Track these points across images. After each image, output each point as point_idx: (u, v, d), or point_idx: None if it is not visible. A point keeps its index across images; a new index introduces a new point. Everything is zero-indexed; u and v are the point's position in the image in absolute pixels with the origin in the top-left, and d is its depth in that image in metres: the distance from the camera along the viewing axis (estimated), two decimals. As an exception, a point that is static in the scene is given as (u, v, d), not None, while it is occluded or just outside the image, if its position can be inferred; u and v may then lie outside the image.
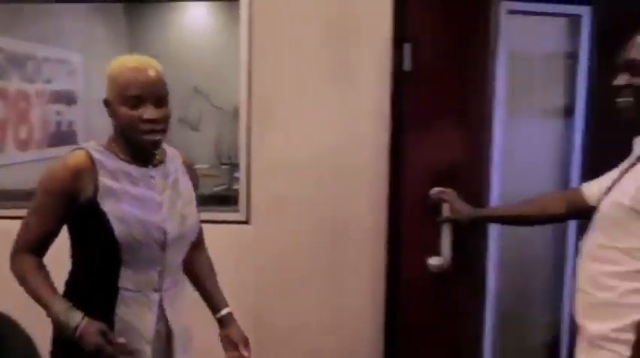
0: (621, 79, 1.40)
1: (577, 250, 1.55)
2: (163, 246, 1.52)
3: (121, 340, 1.38)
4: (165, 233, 1.51)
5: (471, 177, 1.91)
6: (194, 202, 1.64)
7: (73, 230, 1.51)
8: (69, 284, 1.57)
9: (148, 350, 1.52)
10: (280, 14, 2.28)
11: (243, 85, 2.33)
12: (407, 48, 1.79)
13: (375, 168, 2.13)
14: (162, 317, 1.56)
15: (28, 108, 3.56)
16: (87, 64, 4.13)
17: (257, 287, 2.20)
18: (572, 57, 2.15)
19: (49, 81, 3.73)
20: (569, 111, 2.19)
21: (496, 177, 2.02)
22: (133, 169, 1.51)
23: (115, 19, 4.60)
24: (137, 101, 1.43)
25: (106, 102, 1.46)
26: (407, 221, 1.92)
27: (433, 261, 1.84)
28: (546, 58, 2.23)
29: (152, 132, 1.45)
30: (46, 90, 3.70)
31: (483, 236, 2.02)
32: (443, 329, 1.95)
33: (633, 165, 1.41)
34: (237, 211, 2.35)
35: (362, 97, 2.19)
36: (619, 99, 1.42)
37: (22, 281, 1.43)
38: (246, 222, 2.32)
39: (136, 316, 1.52)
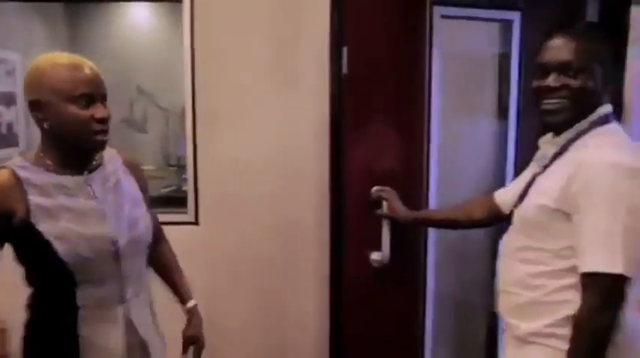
0: (555, 81, 1.42)
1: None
2: (116, 256, 1.46)
3: None
4: (114, 243, 1.45)
5: (409, 176, 2.04)
6: (142, 202, 1.59)
7: (17, 254, 1.44)
8: (29, 308, 1.50)
9: None
10: (223, 17, 2.37)
11: (188, 87, 2.40)
12: (344, 51, 1.89)
13: (318, 168, 2.26)
14: (131, 329, 1.52)
15: (-38, 110, 3.41)
16: (26, 64, 4.03)
17: (206, 287, 2.27)
18: (505, 59, 2.30)
19: (-16, 81, 3.58)
20: (503, 111, 2.34)
21: (434, 175, 2.15)
22: (67, 180, 1.44)
23: (55, 18, 4.54)
24: (88, 100, 1.39)
25: (37, 104, 1.37)
26: (349, 219, 2.02)
27: (375, 256, 1.98)
28: (481, 61, 2.39)
29: (102, 132, 1.41)
30: (-19, 91, 3.55)
31: (423, 231, 2.16)
32: (386, 322, 2.10)
33: (546, 166, 1.47)
34: (185, 212, 2.42)
35: (304, 99, 2.32)
36: (551, 101, 1.44)
37: None
38: (195, 223, 2.40)
39: (101, 334, 1.47)
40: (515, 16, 2.24)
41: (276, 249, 2.40)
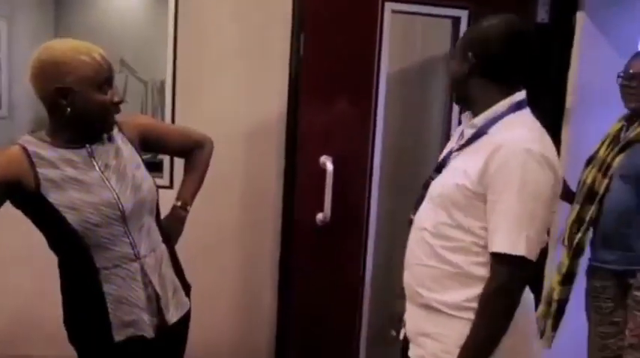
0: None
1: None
2: (123, 219, 1.68)
3: None
4: (119, 207, 1.68)
5: (355, 153, 2.71)
6: (141, 164, 1.80)
7: (36, 224, 1.67)
8: (60, 274, 1.76)
9: (145, 317, 1.75)
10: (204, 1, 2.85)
11: (170, 62, 2.93)
12: (302, 38, 2.49)
13: (277, 134, 2.88)
14: (148, 282, 1.76)
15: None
16: (10, 30, 4.64)
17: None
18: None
19: (-34, 45, 3.71)
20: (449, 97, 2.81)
21: (377, 154, 2.73)
22: (72, 154, 1.65)
23: None
24: (107, 85, 1.62)
25: (62, 91, 1.57)
26: (302, 182, 2.67)
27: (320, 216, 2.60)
28: (434, 54, 2.92)
29: (116, 113, 1.67)
30: (-37, 55, 3.68)
31: (363, 194, 2.73)
32: (329, 272, 2.76)
33: (463, 146, 1.67)
34: (161, 177, 2.88)
35: (269, 77, 2.88)
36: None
37: None
38: (169, 187, 2.87)
39: (122, 289, 1.71)
40: (462, 14, 2.72)
41: (240, 206, 3.02)
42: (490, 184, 1.54)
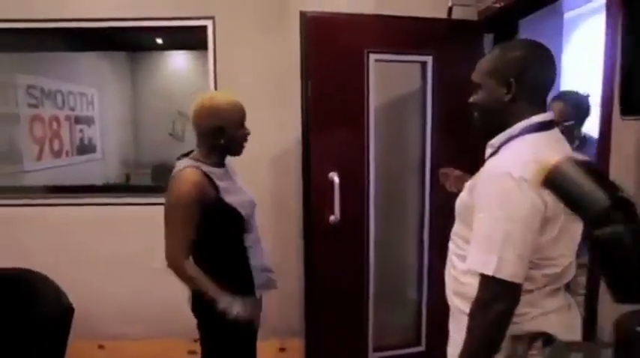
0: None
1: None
2: (253, 213, 1.88)
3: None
4: (254, 206, 1.88)
5: (355, 166, 2.67)
6: None
7: (206, 225, 1.70)
8: (207, 262, 1.74)
9: (273, 277, 1.92)
10: (236, 60, 3.01)
11: None
12: (309, 85, 2.59)
13: (296, 156, 2.89)
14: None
15: (59, 128, 4.13)
16: (100, 95, 4.79)
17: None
18: (423, 90, 2.72)
19: (73, 108, 4.30)
20: (423, 123, 2.79)
21: (372, 167, 2.68)
22: (221, 171, 1.81)
23: (120, 62, 5.25)
24: (244, 123, 1.82)
25: (221, 129, 1.74)
26: (315, 192, 2.67)
27: (332, 218, 2.66)
28: (407, 91, 2.96)
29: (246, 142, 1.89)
30: (71, 115, 4.25)
31: (363, 200, 2.71)
32: (341, 261, 2.74)
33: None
34: None
35: (289, 113, 2.91)
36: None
37: (193, 281, 1.66)
38: None
39: (260, 261, 1.85)
40: (428, 59, 2.63)
41: (272, 213, 3.02)
42: (474, 201, 1.27)
